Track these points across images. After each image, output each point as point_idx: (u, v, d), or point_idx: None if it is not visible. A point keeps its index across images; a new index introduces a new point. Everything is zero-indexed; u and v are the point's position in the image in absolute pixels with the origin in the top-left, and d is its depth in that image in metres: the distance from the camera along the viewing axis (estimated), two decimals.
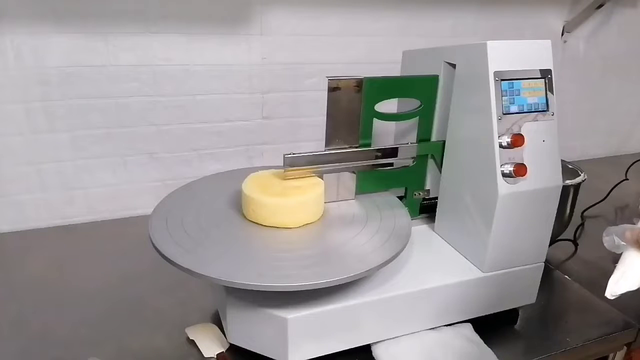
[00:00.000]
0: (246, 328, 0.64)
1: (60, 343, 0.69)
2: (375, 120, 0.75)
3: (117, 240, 0.97)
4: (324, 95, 0.69)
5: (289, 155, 0.71)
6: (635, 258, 0.51)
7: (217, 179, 0.83)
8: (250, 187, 0.69)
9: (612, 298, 0.52)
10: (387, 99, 0.75)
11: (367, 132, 0.75)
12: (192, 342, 0.69)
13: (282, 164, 0.71)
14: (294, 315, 0.60)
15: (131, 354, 0.68)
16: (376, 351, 0.67)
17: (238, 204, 0.72)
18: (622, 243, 0.52)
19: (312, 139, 1.13)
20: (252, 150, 1.11)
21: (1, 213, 0.97)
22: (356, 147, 0.74)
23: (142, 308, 0.76)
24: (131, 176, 1.04)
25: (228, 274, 0.57)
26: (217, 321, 0.72)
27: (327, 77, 0.69)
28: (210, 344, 0.68)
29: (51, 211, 1.00)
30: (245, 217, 0.70)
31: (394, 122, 0.87)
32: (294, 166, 0.71)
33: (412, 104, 0.78)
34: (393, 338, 0.68)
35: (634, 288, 0.51)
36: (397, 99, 0.84)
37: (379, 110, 0.74)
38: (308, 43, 1.07)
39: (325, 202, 0.73)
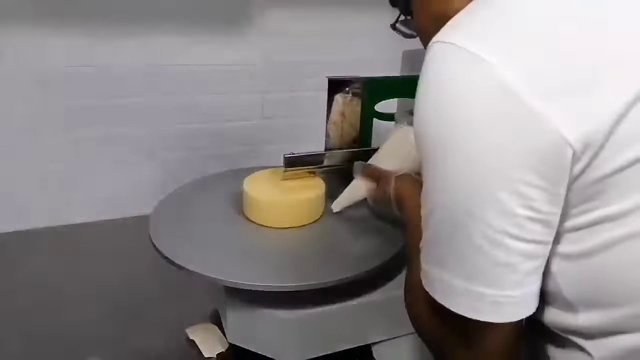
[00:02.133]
0: (246, 328, 0.63)
1: (60, 343, 0.69)
2: (375, 120, 0.74)
3: (117, 241, 0.97)
4: (324, 95, 0.69)
5: (289, 155, 0.71)
6: (354, 183, 0.68)
7: (217, 179, 0.83)
8: (251, 186, 0.69)
9: (336, 211, 0.70)
10: (387, 99, 0.75)
11: (367, 132, 0.75)
12: (192, 342, 0.69)
13: (282, 164, 0.71)
14: (294, 315, 0.60)
15: (131, 354, 0.68)
16: (376, 351, 0.67)
17: (238, 204, 0.72)
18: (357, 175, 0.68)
19: (312, 139, 1.12)
20: (252, 151, 1.11)
21: (1, 213, 0.97)
22: (356, 147, 0.74)
23: (142, 308, 0.76)
24: (131, 176, 1.04)
25: (228, 274, 0.57)
26: (217, 321, 0.72)
27: (327, 77, 0.69)
28: (210, 344, 0.68)
29: (51, 211, 1.00)
30: (245, 217, 0.70)
31: (394, 122, 0.87)
32: (294, 166, 0.71)
33: (412, 104, 0.78)
34: (393, 338, 0.68)
35: (348, 202, 0.69)
36: (397, 99, 0.84)
37: (379, 110, 0.74)
38: (308, 43, 1.07)
39: (325, 202, 0.73)
